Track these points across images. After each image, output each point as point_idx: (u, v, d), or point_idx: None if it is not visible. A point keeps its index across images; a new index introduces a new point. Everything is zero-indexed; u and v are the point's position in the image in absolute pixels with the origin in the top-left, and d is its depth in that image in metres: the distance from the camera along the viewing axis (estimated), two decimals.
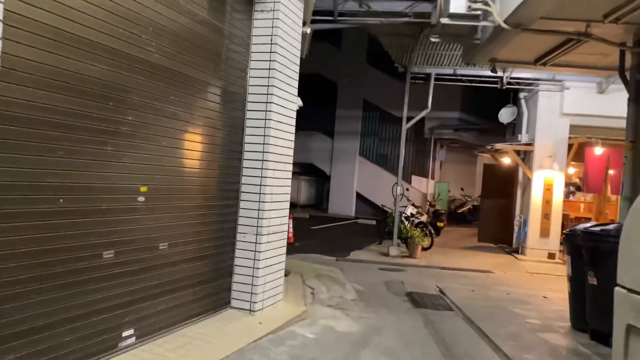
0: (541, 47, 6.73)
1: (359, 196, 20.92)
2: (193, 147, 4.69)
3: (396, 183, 12.51)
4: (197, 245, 4.77)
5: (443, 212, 16.99)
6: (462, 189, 21.62)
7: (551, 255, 12.47)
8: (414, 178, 19.84)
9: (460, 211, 20.99)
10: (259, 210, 5.09)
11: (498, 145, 13.20)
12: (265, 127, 5.17)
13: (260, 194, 5.09)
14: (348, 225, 18.35)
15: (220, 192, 5.06)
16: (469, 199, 21.43)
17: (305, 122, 23.74)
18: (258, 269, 5.08)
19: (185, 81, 4.46)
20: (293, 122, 5.88)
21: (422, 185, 20.40)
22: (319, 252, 12.03)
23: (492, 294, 8.29)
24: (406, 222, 13.73)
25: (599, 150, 11.49)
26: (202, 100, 4.78)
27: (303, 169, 22.59)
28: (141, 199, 3.95)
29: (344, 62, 20.73)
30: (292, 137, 5.89)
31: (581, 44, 6.29)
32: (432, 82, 12.40)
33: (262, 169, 5.10)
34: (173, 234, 4.38)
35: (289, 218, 13.10)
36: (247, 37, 5.28)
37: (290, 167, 5.87)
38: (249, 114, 5.30)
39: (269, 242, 5.23)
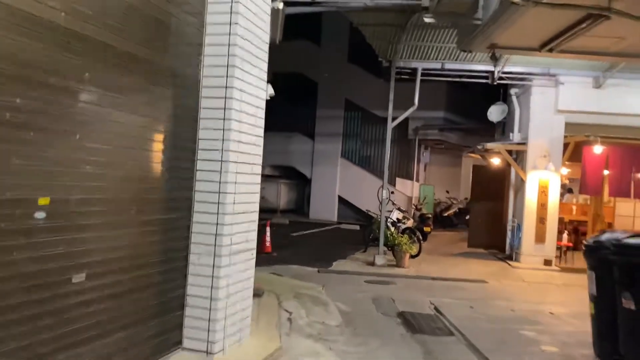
0: (550, 28, 5.84)
1: (342, 200, 19.97)
2: (123, 142, 3.55)
3: (382, 186, 11.57)
4: (132, 272, 3.65)
5: (430, 216, 16.10)
6: (447, 192, 20.82)
7: (547, 262, 11.64)
8: (399, 181, 18.97)
9: (446, 214, 20.17)
10: (217, 224, 3.96)
11: (489, 145, 12.35)
12: (225, 119, 4.11)
13: (219, 203, 4.00)
14: (330, 231, 17.36)
15: (164, 201, 3.95)
16: (454, 202, 20.63)
17: (285, 123, 22.79)
18: (217, 299, 3.96)
19: (110, 54, 3.34)
20: (262, 113, 4.84)
21: (406, 188, 19.53)
22: (299, 262, 11.02)
23: (493, 311, 7.36)
24: (392, 228, 12.79)
25: (598, 149, 10.69)
26: (136, 81, 3.65)
27: (283, 172, 21.56)
28: (40, 215, 2.83)
29: (325, 61, 19.80)
30: (261, 131, 4.86)
31: (598, 24, 5.40)
32: (419, 77, 11.50)
33: (221, 171, 4.00)
34: (94, 261, 3.25)
35: (267, 226, 12.08)
36: (201, 3, 4.22)
37: (258, 169, 4.81)
38: (204, 102, 4.20)
39: (231, 264, 4.14)
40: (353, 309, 6.91)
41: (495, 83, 11.68)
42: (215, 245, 3.90)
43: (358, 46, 19.40)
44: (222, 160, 4.01)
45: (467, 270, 11.35)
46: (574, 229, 13.01)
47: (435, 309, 7.18)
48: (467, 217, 20.48)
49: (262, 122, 4.70)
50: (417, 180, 20.02)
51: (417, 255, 11.60)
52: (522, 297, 8.89)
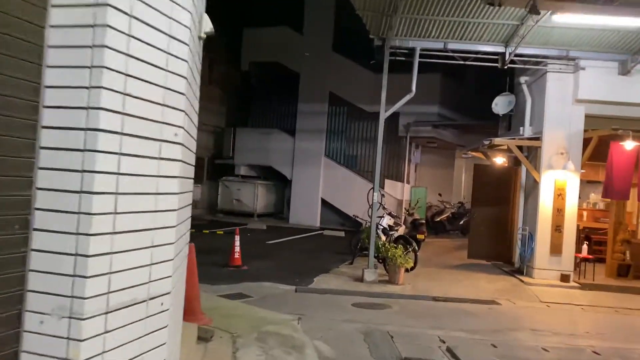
0: None
1: (325, 204, 18.15)
2: None
3: (372, 188, 9.78)
4: None
5: (423, 222, 14.35)
6: (439, 195, 19.12)
7: (564, 278, 9.95)
8: (388, 182, 17.22)
9: (438, 219, 18.49)
10: (76, 254, 2.11)
11: (497, 140, 10.63)
12: (92, 67, 2.22)
13: (80, 213, 2.07)
14: (312, 238, 15.52)
15: None
16: (447, 206, 18.95)
17: (263, 118, 20.95)
18: None
19: None
20: (184, 69, 2.88)
21: (396, 191, 17.78)
22: (274, 277, 9.20)
23: (524, 353, 5.57)
24: (383, 237, 11.02)
25: (629, 145, 9.03)
26: None
27: (260, 172, 19.68)
28: None
29: (307, 49, 17.98)
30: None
31: None
32: (417, 58, 9.72)
33: (83, 171, 2.13)
34: None
35: (236, 234, 10.18)
36: None
37: (178, 151, 2.86)
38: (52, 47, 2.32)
39: (110, 331, 2.27)
40: (339, 353, 5.08)
41: (505, 67, 9.97)
42: (72, 298, 1.98)
43: (344, 33, 17.69)
44: (85, 150, 2.09)
45: (473, 287, 9.62)
46: (585, 238, 11.37)
47: (449, 350, 5.38)
48: (461, 223, 18.92)
49: (182, 82, 2.76)
50: (408, 182, 18.28)
51: (412, 268, 9.84)
52: (547, 325, 7.15)
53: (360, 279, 9.37)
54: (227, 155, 19.29)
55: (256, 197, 18.67)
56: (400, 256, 9.37)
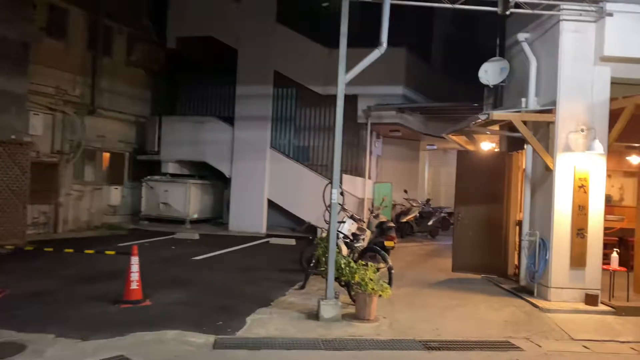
0: None
1: (273, 205, 15.10)
2: None
3: (330, 182, 6.84)
4: None
5: (392, 225, 11.58)
6: (405, 192, 16.44)
7: (591, 299, 7.34)
8: (346, 178, 14.35)
9: (404, 220, 15.78)
10: None
11: (498, 114, 7.90)
12: None
13: None
14: (255, 250, 12.45)
15: None
16: (414, 205, 16.28)
17: (195, 104, 17.59)
18: None
19: None
20: None
21: (356, 188, 14.94)
22: (186, 319, 6.18)
23: None
24: (345, 249, 8.11)
25: None
26: None
27: (193, 169, 16.41)
28: None
29: (247, 21, 14.89)
30: None
31: None
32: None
33: None
34: None
35: (132, 254, 6.95)
36: None
37: None
38: None
39: None
40: None
41: (507, 12, 7.23)
42: None
43: (290, 1, 14.73)
44: None
45: (473, 318, 6.89)
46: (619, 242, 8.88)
47: None
48: (430, 224, 16.33)
49: None
50: (369, 178, 15.47)
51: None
52: None
53: (315, 315, 6.44)
54: (152, 150, 15.92)
55: (188, 199, 15.39)
56: (373, 281, 6.47)
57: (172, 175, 15.97)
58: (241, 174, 14.99)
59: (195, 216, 15.73)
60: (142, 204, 15.73)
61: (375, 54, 6.75)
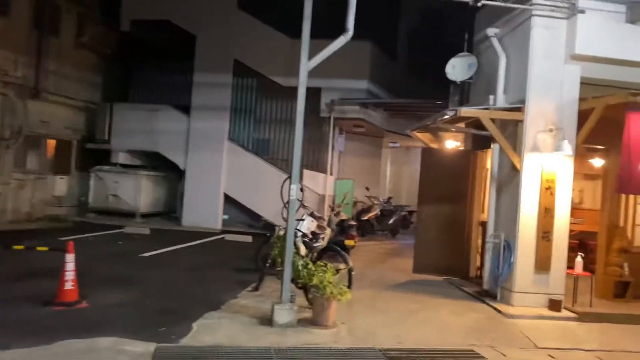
0: None
1: (229, 200, 14.49)
2: None
3: (289, 177, 6.36)
4: None
5: (353, 223, 11.22)
6: (367, 189, 16.11)
7: (554, 305, 7.14)
8: (307, 174, 13.87)
9: (365, 218, 15.47)
10: None
11: (465, 111, 7.58)
12: None
13: None
14: (209, 247, 11.83)
15: None
16: (376, 202, 15.99)
17: (148, 91, 16.65)
18: None
19: None
20: None
21: (317, 184, 14.49)
22: (125, 324, 5.62)
23: None
24: (303, 248, 7.63)
25: None
26: None
27: (146, 160, 15.59)
28: None
29: (206, 6, 14.18)
30: None
31: None
32: None
33: None
34: None
35: (68, 251, 6.22)
36: None
37: None
38: None
39: None
40: None
41: (479, 4, 6.92)
42: None
43: None
44: None
45: (435, 324, 6.56)
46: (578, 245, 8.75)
47: None
48: (390, 222, 16.09)
49: None
50: (331, 174, 15.05)
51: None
52: None
53: (269, 321, 5.94)
54: (102, 139, 14.99)
55: (139, 192, 14.59)
56: (332, 284, 6.03)
57: (123, 165, 15.10)
58: (197, 166, 14.29)
59: (147, 210, 14.93)
60: (90, 195, 14.81)
61: (341, 41, 6.29)
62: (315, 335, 5.72)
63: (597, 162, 9.96)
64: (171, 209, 15.84)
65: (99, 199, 14.75)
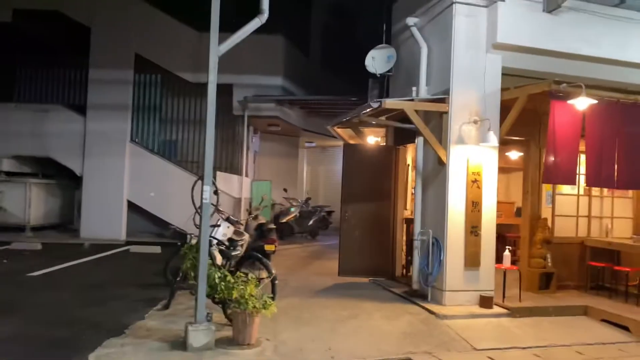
0: None
1: (134, 207, 13.22)
2: None
3: (200, 178, 5.57)
4: None
5: (273, 227, 10.48)
6: (285, 190, 15.49)
7: (485, 302, 6.92)
8: (221, 176, 12.95)
9: (284, 220, 14.83)
10: None
11: (390, 102, 7.15)
12: None
13: None
14: (110, 261, 10.59)
15: None
16: (294, 204, 15.41)
17: (37, 89, 14.84)
18: None
19: None
20: None
21: (232, 187, 13.62)
22: None
23: None
24: (219, 258, 6.83)
25: (581, 104, 6.21)
26: None
27: (36, 167, 13.88)
28: None
29: None
30: None
31: None
32: None
33: None
34: None
35: None
36: None
37: None
38: None
39: None
40: None
41: None
42: None
43: None
44: None
45: (368, 332, 6.05)
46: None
47: None
48: (310, 224, 15.60)
49: None
50: (247, 175, 14.24)
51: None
52: None
53: (183, 344, 5.12)
54: None
55: (28, 202, 12.90)
56: (254, 296, 5.32)
57: (8, 173, 13.27)
58: (95, 171, 12.87)
59: (38, 222, 13.26)
60: None
61: (256, 23, 5.61)
62: (237, 358, 4.99)
63: (513, 155, 10.04)
64: (67, 220, 14.22)
65: None
